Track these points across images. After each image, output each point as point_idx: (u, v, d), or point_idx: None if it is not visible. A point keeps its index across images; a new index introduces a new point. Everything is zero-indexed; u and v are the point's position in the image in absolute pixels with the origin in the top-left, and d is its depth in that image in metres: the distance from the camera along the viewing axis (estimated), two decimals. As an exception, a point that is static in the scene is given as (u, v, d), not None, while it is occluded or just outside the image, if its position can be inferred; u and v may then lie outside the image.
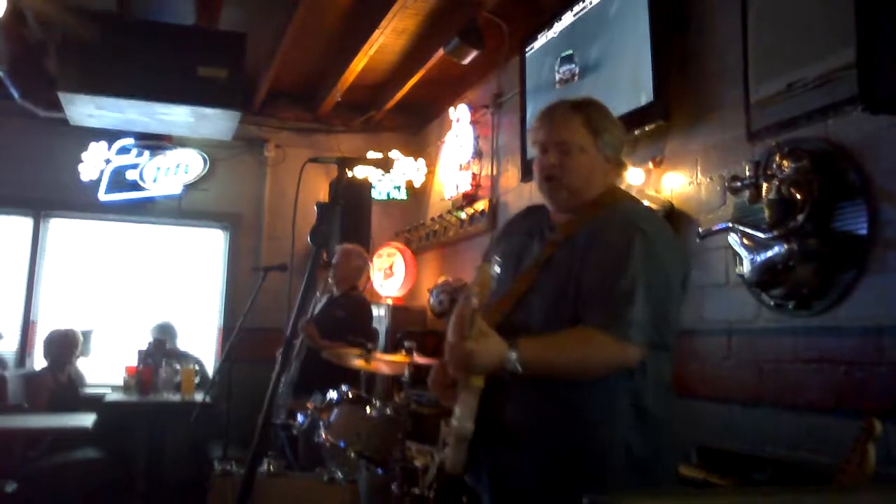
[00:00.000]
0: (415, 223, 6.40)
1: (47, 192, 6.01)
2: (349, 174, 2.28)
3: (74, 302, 6.10)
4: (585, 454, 1.83)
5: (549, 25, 4.28)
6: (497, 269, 1.93)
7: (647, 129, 3.53)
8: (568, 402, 1.84)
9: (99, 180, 6.08)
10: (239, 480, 2.87)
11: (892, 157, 2.44)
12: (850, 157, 2.55)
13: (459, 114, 5.73)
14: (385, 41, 4.98)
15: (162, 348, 5.74)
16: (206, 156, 6.36)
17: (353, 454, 3.11)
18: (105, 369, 6.00)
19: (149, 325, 6.10)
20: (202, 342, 6.37)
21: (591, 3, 3.94)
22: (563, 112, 2.00)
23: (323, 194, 6.19)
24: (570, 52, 4.09)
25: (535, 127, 2.04)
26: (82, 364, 5.87)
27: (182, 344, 6.15)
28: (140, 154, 6.21)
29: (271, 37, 5.20)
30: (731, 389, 2.99)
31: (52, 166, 5.99)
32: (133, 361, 5.57)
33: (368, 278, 5.70)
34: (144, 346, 5.71)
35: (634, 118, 3.55)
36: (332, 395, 3.51)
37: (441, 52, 4.83)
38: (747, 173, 2.83)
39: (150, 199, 6.26)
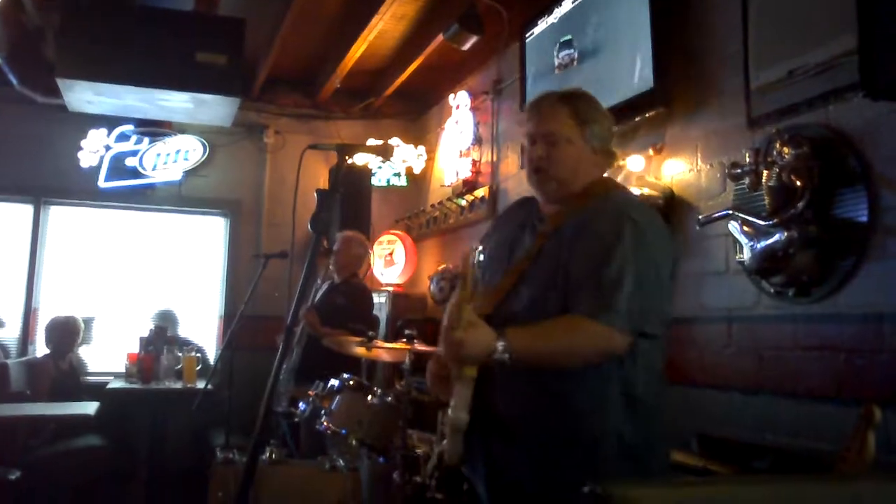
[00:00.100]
0: (415, 210, 6.39)
1: (47, 180, 6.00)
2: (349, 161, 2.28)
3: (75, 289, 6.10)
4: (577, 443, 1.84)
5: (549, 11, 4.26)
6: (481, 258, 1.96)
7: (647, 115, 3.52)
8: (558, 392, 1.86)
9: (98, 167, 6.06)
10: (241, 468, 2.88)
11: (893, 144, 2.43)
12: (851, 144, 2.54)
13: (459, 100, 5.71)
14: (384, 27, 4.96)
15: (163, 336, 5.76)
16: (205, 142, 6.34)
17: (354, 442, 3.12)
18: (106, 357, 6.01)
19: (150, 313, 6.11)
20: (203, 329, 6.38)
21: (591, -12, 3.92)
22: (551, 104, 2.03)
23: (323, 181, 6.18)
24: (569, 37, 4.07)
25: (524, 119, 2.06)
26: (84, 352, 5.89)
27: (183, 331, 6.17)
28: (139, 141, 6.19)
29: (270, 22, 5.17)
30: (730, 377, 3.00)
31: (51, 153, 5.98)
32: (134, 349, 5.59)
33: (369, 266, 5.70)
34: (146, 334, 5.73)
35: (635, 105, 3.55)
36: (334, 382, 3.52)
37: (441, 37, 4.81)
38: (747, 160, 2.83)
39: (149, 186, 6.25)
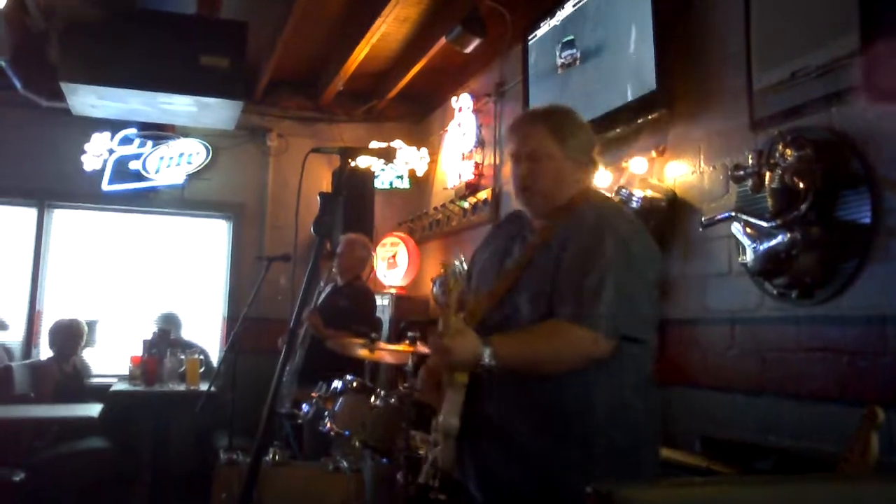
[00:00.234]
0: (418, 213, 6.40)
1: (51, 183, 6.01)
2: (352, 164, 2.29)
3: (79, 292, 6.11)
4: (565, 447, 1.88)
5: (552, 13, 4.26)
6: (465, 267, 2.02)
7: (650, 117, 3.52)
8: (546, 397, 1.90)
9: (102, 171, 6.08)
10: (244, 470, 2.89)
11: (896, 146, 2.43)
12: (854, 146, 2.54)
13: (462, 103, 5.72)
14: (387, 29, 4.96)
15: (166, 338, 5.76)
16: (208, 145, 6.36)
17: (357, 443, 3.12)
18: (110, 359, 6.03)
19: (153, 316, 6.12)
20: (206, 332, 6.39)
21: (593, -10, 3.93)
22: (530, 123, 2.11)
23: (326, 184, 6.19)
24: (572, 37, 4.08)
25: (507, 140, 2.14)
26: (87, 354, 5.89)
27: (186, 334, 6.17)
28: (143, 144, 6.21)
29: (273, 25, 5.18)
30: (734, 379, 3.00)
31: (55, 157, 5.99)
32: (138, 351, 5.59)
33: (372, 268, 5.70)
34: (149, 337, 5.73)
35: (637, 107, 3.55)
36: (337, 384, 3.52)
37: (443, 40, 4.82)
38: (750, 162, 2.82)
39: (153, 189, 6.27)
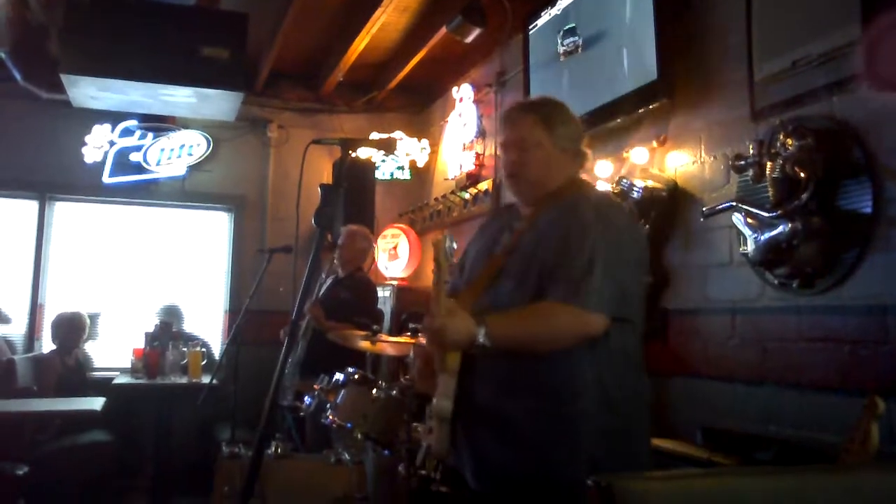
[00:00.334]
0: (418, 203, 6.39)
1: (51, 175, 6.01)
2: (352, 155, 2.29)
3: (81, 285, 6.12)
4: (555, 428, 1.91)
5: (552, 2, 4.25)
6: (454, 245, 2.04)
7: (651, 107, 3.51)
8: (537, 378, 1.93)
9: (103, 163, 6.07)
10: (246, 462, 2.89)
11: (898, 135, 2.42)
12: (855, 135, 2.53)
13: (463, 93, 5.71)
14: (387, 19, 4.94)
15: (168, 331, 5.77)
16: (209, 137, 6.35)
17: (359, 435, 3.13)
18: (112, 352, 6.04)
19: (155, 308, 6.13)
20: (208, 324, 6.39)
21: (594, -20, 3.91)
22: (520, 113, 2.17)
23: (326, 175, 6.19)
24: (573, 25, 4.07)
25: (499, 128, 2.23)
26: (89, 347, 5.91)
27: (188, 326, 6.18)
28: (143, 136, 6.20)
29: (273, 16, 5.17)
30: (734, 369, 3.00)
31: (55, 149, 5.99)
32: (140, 344, 5.60)
33: (373, 260, 5.70)
34: (151, 329, 5.74)
35: (638, 96, 3.54)
36: (339, 376, 3.52)
37: (444, 30, 4.80)
38: (751, 152, 2.82)
39: (153, 181, 6.26)
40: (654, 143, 3.55)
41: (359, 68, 5.89)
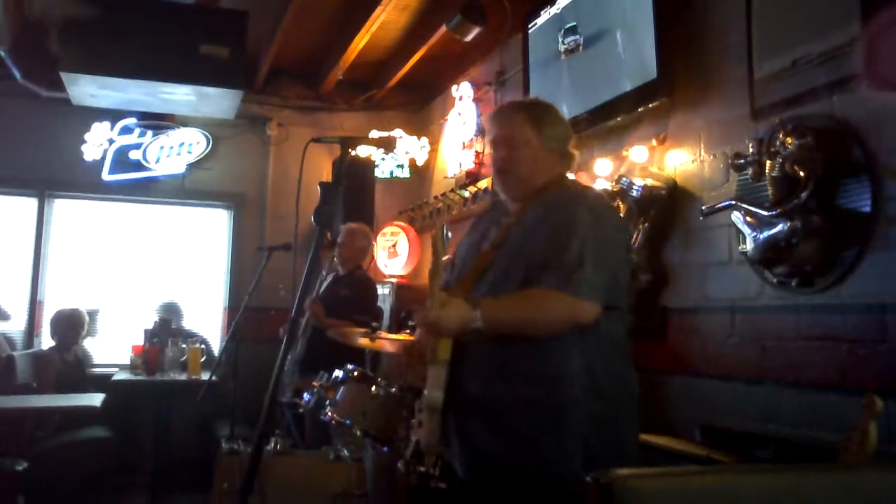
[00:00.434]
0: (418, 202, 6.39)
1: (51, 173, 6.01)
2: (352, 153, 2.29)
3: (80, 282, 6.12)
4: (545, 416, 1.95)
5: (552, 1, 4.25)
6: (449, 235, 2.14)
7: (650, 105, 3.51)
8: (526, 366, 1.97)
9: (102, 160, 6.07)
10: (246, 459, 2.90)
11: (897, 134, 2.43)
12: (855, 134, 2.54)
13: (462, 91, 5.71)
14: (387, 17, 4.94)
15: (167, 328, 5.77)
16: (208, 135, 6.35)
17: (358, 432, 3.13)
18: (111, 349, 6.04)
19: (154, 305, 6.13)
20: (207, 321, 6.40)
21: (594, -22, 3.91)
22: (510, 112, 2.24)
23: (326, 173, 6.19)
24: (574, 23, 4.07)
25: (488, 128, 2.28)
26: (89, 344, 5.91)
27: (187, 323, 6.19)
28: (143, 134, 6.19)
29: (272, 14, 5.17)
30: (734, 367, 3.00)
31: (55, 147, 5.99)
32: (139, 341, 5.61)
33: (373, 257, 5.70)
34: (150, 326, 5.75)
35: (638, 95, 3.54)
36: (338, 373, 3.52)
37: (443, 28, 4.80)
38: (751, 150, 2.82)
39: (153, 179, 6.26)
40: (654, 142, 3.55)
41: (359, 66, 5.89)
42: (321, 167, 6.22)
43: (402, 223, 6.42)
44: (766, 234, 2.73)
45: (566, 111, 4.07)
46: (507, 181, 2.19)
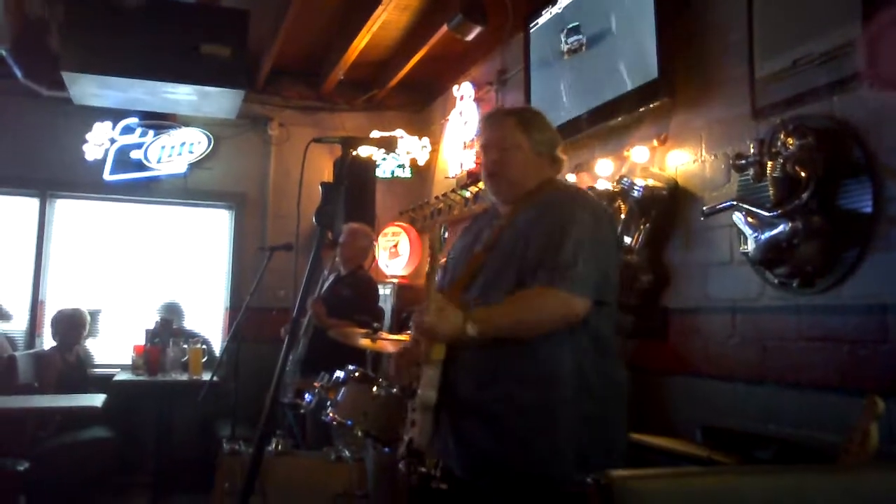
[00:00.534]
0: (419, 202, 6.39)
1: (52, 172, 6.01)
2: (353, 153, 2.29)
3: (81, 282, 6.12)
4: (537, 415, 1.98)
5: (553, 1, 4.25)
6: (446, 235, 2.16)
7: (651, 106, 3.51)
8: (517, 367, 2.00)
9: (104, 160, 6.07)
10: (247, 459, 2.90)
11: (898, 135, 2.42)
12: (856, 135, 2.53)
13: (463, 91, 5.70)
14: (388, 17, 4.94)
15: (169, 328, 5.78)
16: (210, 135, 6.35)
17: (359, 433, 3.13)
18: (113, 349, 6.05)
19: (155, 305, 6.13)
20: (209, 322, 6.40)
21: (595, -22, 3.91)
22: (500, 117, 2.31)
23: (327, 173, 6.19)
24: (577, 23, 4.07)
25: (479, 132, 2.34)
26: (90, 344, 5.92)
27: (189, 323, 6.19)
28: (144, 133, 6.20)
29: (274, 14, 5.17)
30: (734, 368, 3.00)
31: (56, 146, 5.99)
32: (141, 341, 5.61)
33: (374, 258, 5.70)
34: (151, 326, 5.75)
35: (639, 95, 3.54)
36: (339, 374, 3.53)
37: (444, 28, 4.80)
38: (752, 151, 2.82)
39: (154, 179, 6.26)
40: (655, 142, 3.55)
41: (360, 66, 5.89)
42: (322, 167, 6.22)
43: (403, 223, 6.42)
44: (767, 234, 2.73)
45: (567, 111, 4.07)
46: (499, 184, 2.23)
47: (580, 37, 4.03)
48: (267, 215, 6.47)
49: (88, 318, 5.66)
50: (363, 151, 5.83)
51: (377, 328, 3.56)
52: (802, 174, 2.59)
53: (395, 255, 6.28)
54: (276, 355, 2.11)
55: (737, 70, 3.09)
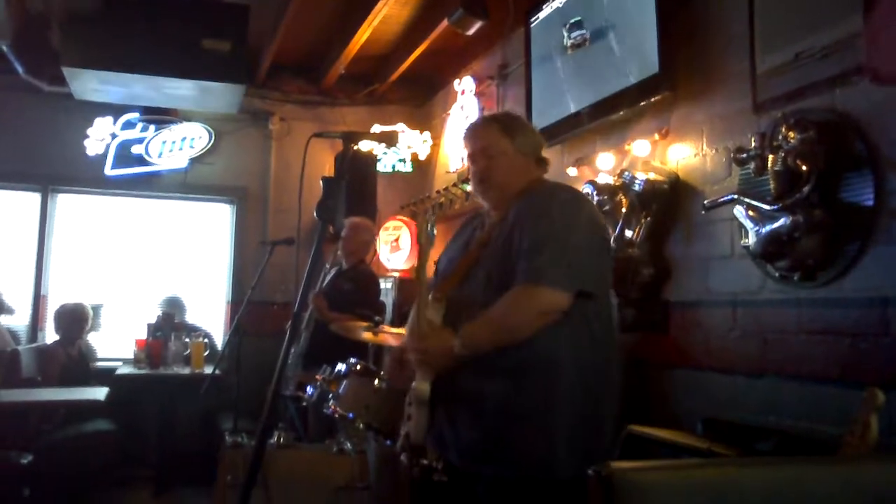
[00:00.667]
0: (420, 196, 6.38)
1: (54, 167, 6.02)
2: (354, 148, 2.30)
3: (84, 276, 6.14)
4: (529, 408, 2.01)
5: (554, -5, 4.25)
6: (434, 231, 2.20)
7: (652, 100, 3.51)
8: (511, 359, 2.02)
9: (105, 155, 6.08)
10: (249, 452, 2.91)
11: (899, 128, 2.42)
12: (857, 128, 2.53)
13: (464, 86, 5.70)
14: (388, 12, 4.93)
15: (171, 322, 5.80)
16: (211, 129, 6.35)
17: (361, 425, 3.14)
18: (115, 343, 6.06)
19: (157, 299, 6.15)
20: (211, 315, 6.41)
21: (596, -28, 3.90)
22: (483, 124, 2.41)
23: (328, 167, 6.19)
24: (579, 18, 4.06)
25: (464, 142, 2.38)
26: (93, 338, 5.93)
27: (191, 317, 6.20)
28: (145, 128, 6.20)
29: (274, 9, 5.16)
30: (735, 360, 3.01)
31: (58, 141, 6.00)
32: (143, 335, 5.62)
33: (375, 252, 5.71)
34: (153, 320, 5.76)
35: (640, 89, 3.54)
36: (341, 367, 3.53)
37: (445, 22, 4.79)
38: (753, 144, 2.82)
39: (156, 174, 6.26)
40: (656, 136, 3.55)
41: (360, 61, 5.88)
42: (323, 162, 6.23)
43: (404, 217, 6.42)
44: (768, 228, 2.73)
45: (568, 105, 4.07)
46: (488, 190, 2.27)
47: (584, 31, 4.02)
48: (268, 210, 6.47)
49: (91, 312, 5.67)
50: (364, 146, 5.82)
51: (378, 322, 3.56)
52: (804, 168, 2.59)
53: (396, 249, 6.28)
54: (278, 349, 2.12)
55: (738, 64, 3.08)
